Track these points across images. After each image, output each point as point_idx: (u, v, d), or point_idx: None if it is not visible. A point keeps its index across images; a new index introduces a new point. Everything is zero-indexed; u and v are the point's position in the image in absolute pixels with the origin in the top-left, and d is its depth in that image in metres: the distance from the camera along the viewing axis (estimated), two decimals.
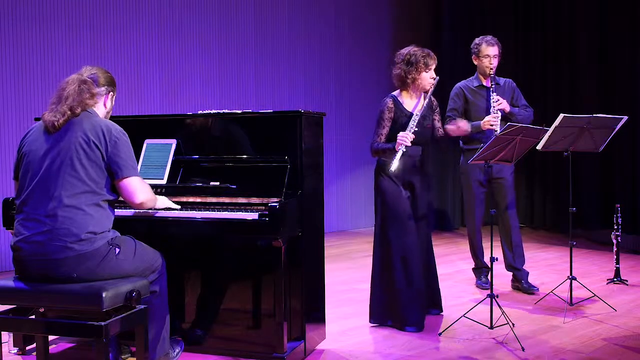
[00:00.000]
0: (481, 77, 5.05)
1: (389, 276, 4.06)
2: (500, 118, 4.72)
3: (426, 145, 4.17)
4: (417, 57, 4.00)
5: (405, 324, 4.01)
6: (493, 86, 4.82)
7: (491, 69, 4.89)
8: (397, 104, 4.08)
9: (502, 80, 5.02)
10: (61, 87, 3.03)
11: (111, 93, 3.17)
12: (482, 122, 4.78)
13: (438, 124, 4.26)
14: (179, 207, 3.38)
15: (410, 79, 4.02)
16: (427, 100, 4.08)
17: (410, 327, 4.00)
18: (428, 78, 4.03)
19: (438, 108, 4.26)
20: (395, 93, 4.15)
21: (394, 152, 3.91)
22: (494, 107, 4.75)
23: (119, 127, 3.02)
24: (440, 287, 4.39)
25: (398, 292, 4.01)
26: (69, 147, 2.91)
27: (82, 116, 2.98)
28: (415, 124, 3.94)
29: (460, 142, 5.11)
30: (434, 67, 4.06)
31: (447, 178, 8.76)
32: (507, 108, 4.81)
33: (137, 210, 3.35)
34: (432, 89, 4.05)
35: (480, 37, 5.04)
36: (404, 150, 3.88)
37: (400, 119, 4.04)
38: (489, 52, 4.93)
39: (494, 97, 4.79)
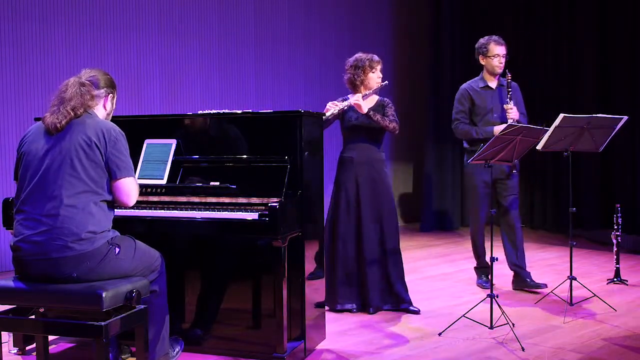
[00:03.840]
0: (487, 77, 5.02)
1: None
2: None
3: (374, 141, 4.46)
4: (362, 61, 4.45)
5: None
6: (510, 93, 4.79)
7: (501, 68, 4.89)
8: (345, 100, 4.44)
9: (507, 82, 4.94)
10: (61, 89, 3.03)
11: (111, 95, 3.16)
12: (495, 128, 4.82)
13: (389, 113, 4.45)
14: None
15: (359, 81, 4.45)
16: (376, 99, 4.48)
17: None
18: (375, 78, 4.45)
19: (390, 103, 4.52)
20: (349, 95, 4.50)
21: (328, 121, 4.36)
22: (508, 115, 4.75)
23: (117, 128, 3.02)
24: (436, 287, 4.40)
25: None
26: (69, 147, 2.91)
27: (83, 117, 2.98)
28: (346, 104, 4.31)
29: (464, 143, 5.09)
30: (379, 67, 4.48)
31: (447, 178, 8.76)
32: (517, 117, 4.80)
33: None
34: (379, 87, 4.43)
35: (486, 37, 5.01)
36: (328, 115, 4.26)
37: (348, 114, 4.44)
38: (498, 52, 4.92)
39: (510, 105, 4.78)
